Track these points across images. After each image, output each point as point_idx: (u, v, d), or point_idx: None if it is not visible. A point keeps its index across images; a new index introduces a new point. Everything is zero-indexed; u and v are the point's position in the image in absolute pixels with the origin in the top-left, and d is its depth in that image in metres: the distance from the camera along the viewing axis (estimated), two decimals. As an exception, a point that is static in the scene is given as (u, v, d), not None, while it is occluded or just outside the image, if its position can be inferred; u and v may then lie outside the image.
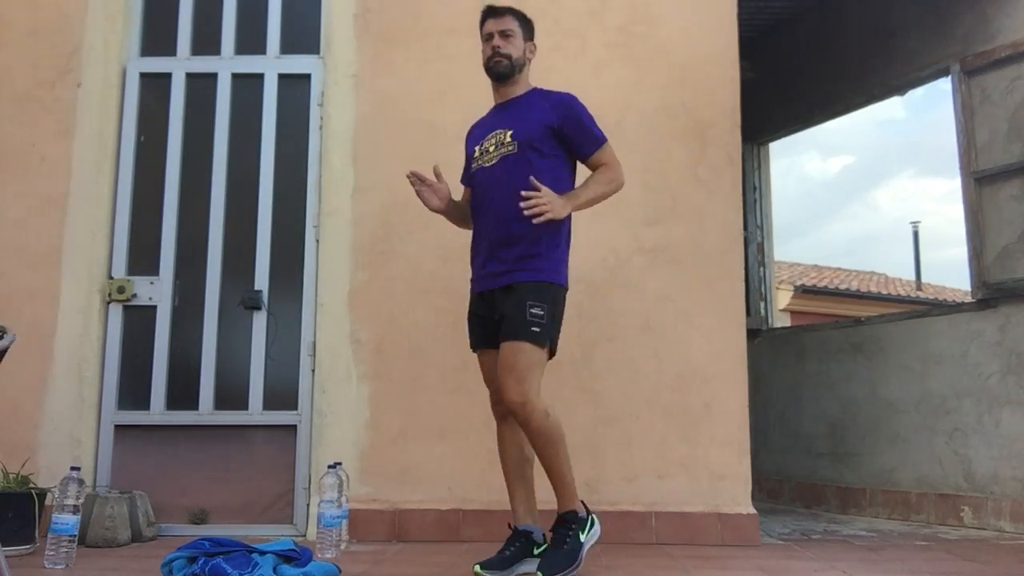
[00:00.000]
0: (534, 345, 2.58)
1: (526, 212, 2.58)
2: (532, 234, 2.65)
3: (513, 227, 2.68)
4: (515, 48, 2.79)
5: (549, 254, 2.67)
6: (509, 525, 2.83)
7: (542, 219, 2.57)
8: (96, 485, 3.66)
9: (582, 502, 2.72)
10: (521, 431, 2.72)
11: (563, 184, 2.74)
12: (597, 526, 2.73)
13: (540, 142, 2.71)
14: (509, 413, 2.74)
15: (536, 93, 2.82)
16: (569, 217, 2.74)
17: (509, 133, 2.77)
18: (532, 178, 2.61)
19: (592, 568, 2.82)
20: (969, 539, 3.81)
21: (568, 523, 2.65)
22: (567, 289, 2.75)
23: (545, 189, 2.60)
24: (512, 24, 2.80)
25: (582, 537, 2.64)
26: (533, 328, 2.57)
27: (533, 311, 2.58)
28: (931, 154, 67.96)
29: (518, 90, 2.82)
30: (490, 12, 2.85)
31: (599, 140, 2.76)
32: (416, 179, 2.86)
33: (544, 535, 2.78)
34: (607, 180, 2.75)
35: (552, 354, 2.71)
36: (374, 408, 3.65)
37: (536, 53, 2.93)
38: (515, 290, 2.64)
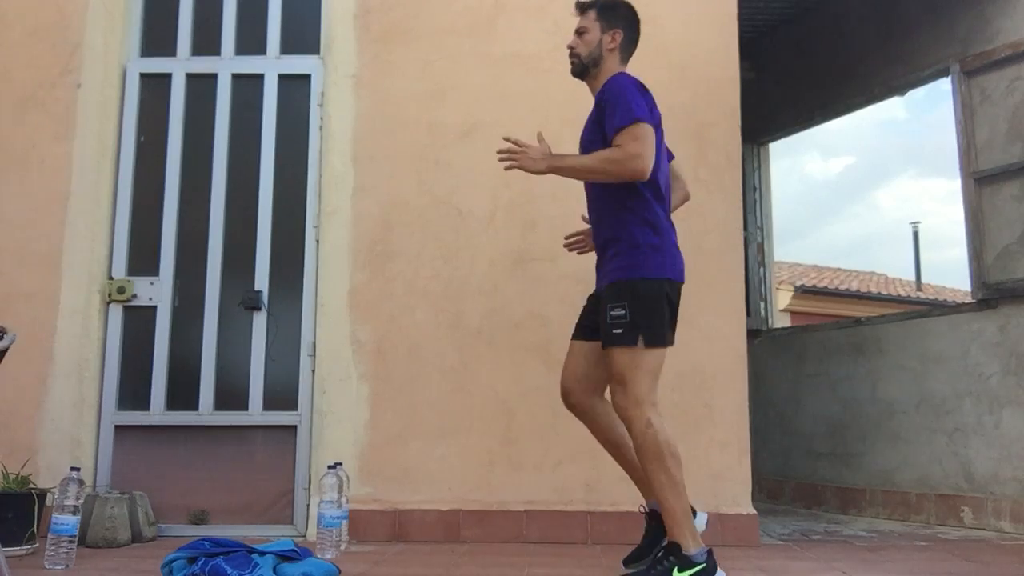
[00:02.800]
0: (623, 348, 2.53)
1: (499, 159, 2.66)
2: (612, 231, 2.65)
3: (599, 229, 2.73)
4: (585, 45, 2.74)
5: (629, 249, 2.60)
6: (640, 509, 2.79)
7: (509, 167, 2.65)
8: (96, 485, 3.66)
9: (709, 550, 2.46)
10: (601, 418, 2.73)
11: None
12: None
13: (595, 143, 2.66)
14: (575, 407, 2.77)
15: (604, 87, 2.69)
16: (648, 203, 2.61)
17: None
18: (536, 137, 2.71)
19: (593, 569, 2.82)
20: (969, 539, 3.80)
21: (668, 553, 2.45)
22: (664, 278, 2.59)
23: (535, 145, 2.66)
24: (588, 20, 2.75)
25: (677, 575, 2.40)
26: (615, 331, 2.54)
27: (612, 314, 2.55)
28: (932, 155, 67.99)
29: (597, 85, 2.75)
30: (575, 7, 2.81)
31: (616, 124, 2.55)
32: (577, 241, 2.98)
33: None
34: (604, 157, 2.56)
35: (663, 344, 2.57)
36: (374, 408, 3.65)
37: (622, 36, 2.75)
38: (601, 297, 2.66)
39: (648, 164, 2.51)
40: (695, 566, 2.40)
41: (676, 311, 2.67)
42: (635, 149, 2.51)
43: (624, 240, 2.61)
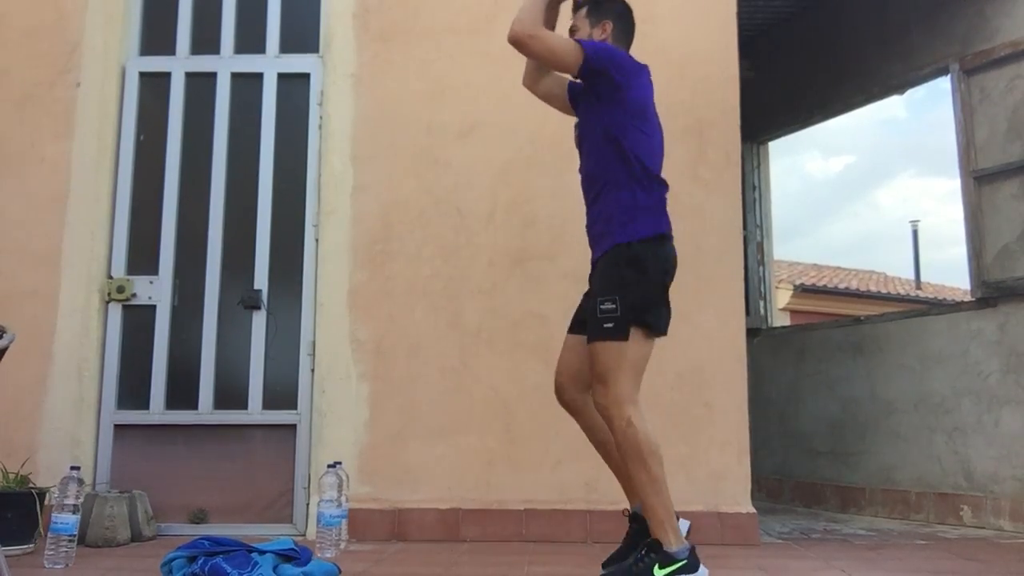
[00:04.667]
0: (609, 342, 2.46)
1: None
2: (595, 180, 2.61)
3: (585, 176, 2.68)
4: None
5: (617, 204, 2.53)
6: (624, 512, 2.72)
7: None
8: (96, 485, 3.66)
9: (692, 548, 2.41)
10: (595, 417, 2.63)
11: (616, 131, 2.56)
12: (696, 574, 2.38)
13: (589, 111, 2.66)
14: (568, 404, 2.72)
15: None
16: (645, 184, 2.55)
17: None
18: None
19: (592, 568, 2.82)
20: (968, 538, 3.81)
21: (649, 550, 2.41)
22: (653, 235, 2.52)
23: None
24: (578, 18, 2.77)
25: (658, 572, 2.35)
26: (605, 325, 2.47)
27: (603, 306, 2.48)
28: (932, 154, 67.97)
29: None
30: (572, 8, 2.83)
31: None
32: None
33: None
34: (524, 7, 2.57)
35: (652, 328, 2.50)
36: (374, 408, 3.65)
37: (612, 27, 2.72)
38: (592, 277, 2.60)
39: (522, 30, 2.50)
40: (676, 563, 2.37)
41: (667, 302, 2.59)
42: (531, 29, 2.51)
43: (607, 190, 2.57)
